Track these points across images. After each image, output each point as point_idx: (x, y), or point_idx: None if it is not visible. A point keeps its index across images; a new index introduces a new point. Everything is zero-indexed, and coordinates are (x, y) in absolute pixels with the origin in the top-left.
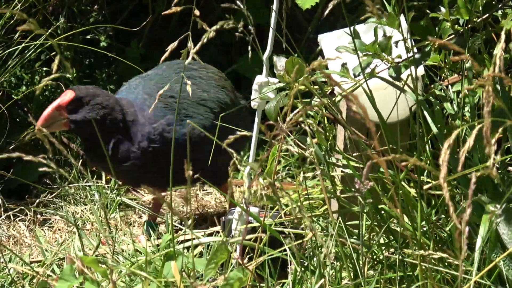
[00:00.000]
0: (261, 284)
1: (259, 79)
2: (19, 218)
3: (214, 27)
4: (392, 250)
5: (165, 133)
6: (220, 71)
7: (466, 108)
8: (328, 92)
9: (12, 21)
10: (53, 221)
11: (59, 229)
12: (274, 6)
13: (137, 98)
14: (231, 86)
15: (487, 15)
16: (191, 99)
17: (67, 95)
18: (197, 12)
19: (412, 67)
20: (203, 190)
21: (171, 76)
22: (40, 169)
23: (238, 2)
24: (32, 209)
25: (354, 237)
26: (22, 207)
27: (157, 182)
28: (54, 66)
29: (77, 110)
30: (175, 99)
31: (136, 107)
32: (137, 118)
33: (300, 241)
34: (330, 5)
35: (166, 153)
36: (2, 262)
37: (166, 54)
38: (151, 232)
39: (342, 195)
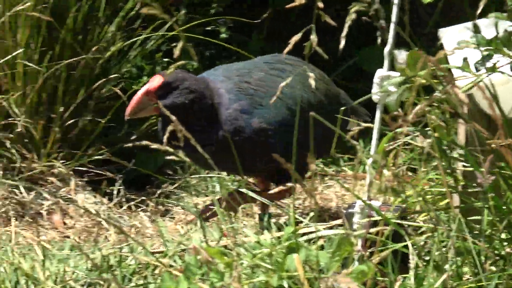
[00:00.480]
0: (383, 278)
1: (380, 72)
2: (141, 208)
3: (350, 17)
4: None
5: (237, 120)
6: (322, 73)
7: None
8: (449, 86)
9: (132, 12)
10: (173, 212)
11: (180, 220)
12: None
13: (215, 79)
14: (331, 91)
15: None
16: (268, 90)
17: (156, 80)
18: (320, 4)
19: None
20: (324, 183)
21: (258, 65)
22: (167, 158)
23: None
24: (153, 199)
25: (475, 232)
26: (144, 198)
27: (231, 170)
28: (177, 51)
29: (166, 95)
30: (250, 84)
31: (220, 92)
32: (222, 100)
33: (425, 236)
34: None
35: (235, 141)
36: (125, 252)
37: (289, 47)
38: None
39: (464, 190)
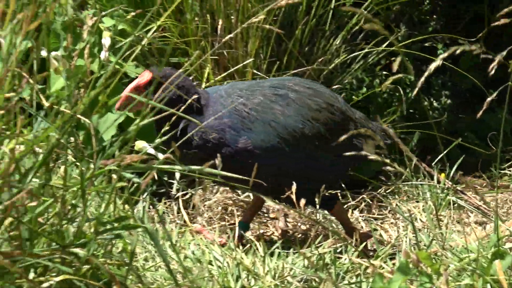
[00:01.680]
0: None
1: None
2: (357, 209)
3: None
4: None
5: (224, 132)
6: (334, 98)
7: None
8: None
9: (356, 27)
10: (384, 215)
11: (390, 224)
12: None
13: (215, 92)
14: (336, 119)
15: None
16: (262, 116)
17: (145, 76)
18: None
19: None
20: None
21: (262, 89)
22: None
23: None
24: (367, 203)
25: None
26: (359, 201)
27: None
28: (395, 65)
29: (154, 91)
30: (245, 107)
31: (210, 99)
32: (209, 105)
33: None
34: None
35: (220, 153)
36: (339, 253)
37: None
38: (242, 233)
39: None
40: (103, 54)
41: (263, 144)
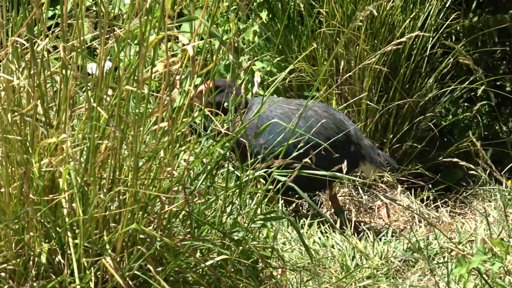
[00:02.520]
0: None
1: None
2: (444, 208)
3: None
4: None
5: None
6: (338, 125)
7: None
8: None
9: (445, 70)
10: (464, 213)
11: (470, 219)
12: None
13: (257, 102)
14: (338, 140)
15: None
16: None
17: (208, 84)
18: None
19: None
20: None
21: (289, 103)
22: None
23: None
24: (452, 202)
25: None
26: (446, 200)
27: None
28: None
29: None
30: (271, 113)
31: (254, 104)
32: (251, 108)
33: None
34: None
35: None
36: (430, 239)
37: None
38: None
39: None
40: (255, 89)
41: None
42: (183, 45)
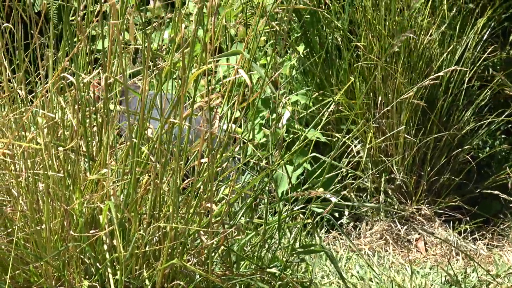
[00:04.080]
0: None
1: None
2: (481, 241)
3: None
4: None
5: None
6: None
7: None
8: None
9: (482, 102)
10: (502, 246)
11: (508, 251)
12: None
13: None
14: None
15: None
16: None
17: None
18: None
19: None
20: None
21: None
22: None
23: None
24: (489, 235)
25: None
26: (483, 232)
27: None
28: None
29: None
30: None
31: None
32: None
33: None
34: None
35: None
36: (468, 272)
37: None
38: None
39: None
40: (284, 121)
41: None
42: (224, 78)
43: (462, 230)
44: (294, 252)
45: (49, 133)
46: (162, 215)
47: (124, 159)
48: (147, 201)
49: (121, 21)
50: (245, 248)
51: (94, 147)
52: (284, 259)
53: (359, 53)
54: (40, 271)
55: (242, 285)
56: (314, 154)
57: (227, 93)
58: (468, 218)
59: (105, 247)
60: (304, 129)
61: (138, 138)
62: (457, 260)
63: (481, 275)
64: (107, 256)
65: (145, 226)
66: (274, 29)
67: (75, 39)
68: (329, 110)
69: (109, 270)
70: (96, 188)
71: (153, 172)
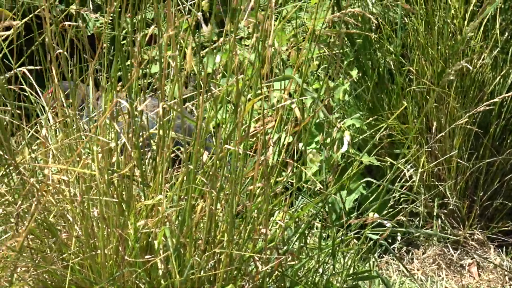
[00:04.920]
0: None
1: None
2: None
3: None
4: None
5: None
6: None
7: None
8: None
9: None
10: None
11: None
12: None
13: None
14: None
15: None
16: None
17: None
18: None
19: None
20: None
21: None
22: None
23: None
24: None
25: None
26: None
27: None
28: None
29: None
30: None
31: None
32: None
33: None
34: None
35: None
36: None
37: None
38: None
39: None
40: (345, 147)
41: None
42: (278, 102)
43: None
44: (348, 278)
45: (104, 158)
46: (218, 241)
47: (179, 185)
48: (201, 226)
49: (177, 47)
50: (299, 273)
51: (149, 172)
52: (338, 285)
53: (411, 77)
54: None
55: None
56: (368, 178)
57: (279, 117)
58: None
59: (160, 272)
60: (358, 153)
61: (194, 164)
62: (510, 285)
63: None
64: (162, 281)
65: (200, 252)
66: (327, 53)
67: (127, 62)
68: (381, 134)
69: None
70: (151, 214)
71: (209, 197)
